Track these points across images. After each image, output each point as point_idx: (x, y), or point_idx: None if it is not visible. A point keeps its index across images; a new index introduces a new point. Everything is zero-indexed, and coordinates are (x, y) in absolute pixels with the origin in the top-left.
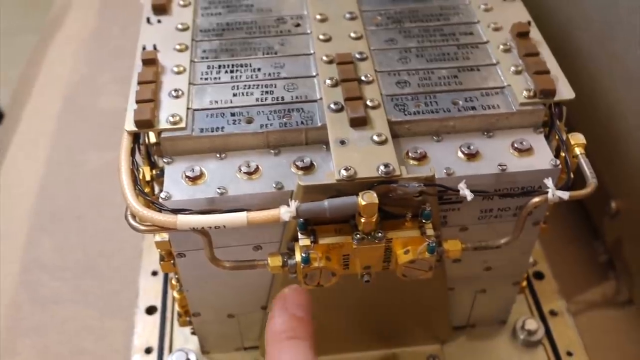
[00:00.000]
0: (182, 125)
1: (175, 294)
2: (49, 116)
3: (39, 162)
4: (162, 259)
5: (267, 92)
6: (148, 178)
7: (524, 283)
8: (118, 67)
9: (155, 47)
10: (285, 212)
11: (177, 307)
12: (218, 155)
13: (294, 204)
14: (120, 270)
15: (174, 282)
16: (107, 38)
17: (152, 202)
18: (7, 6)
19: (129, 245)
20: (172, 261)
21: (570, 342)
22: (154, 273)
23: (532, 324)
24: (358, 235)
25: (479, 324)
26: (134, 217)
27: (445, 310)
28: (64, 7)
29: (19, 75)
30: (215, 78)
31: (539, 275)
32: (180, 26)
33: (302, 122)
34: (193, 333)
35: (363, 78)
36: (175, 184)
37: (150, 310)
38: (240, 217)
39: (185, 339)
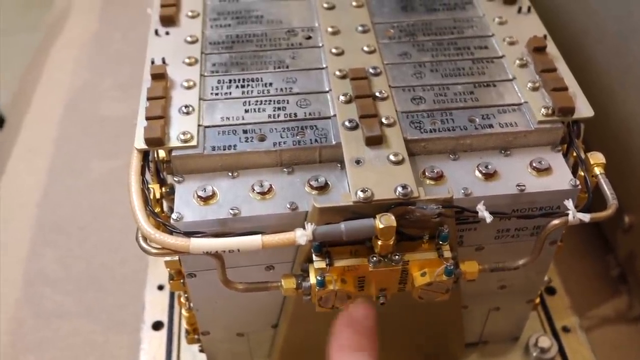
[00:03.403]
0: (194, 143)
1: (184, 312)
2: (50, 123)
3: (41, 170)
4: (171, 277)
5: (279, 109)
6: (158, 196)
7: (537, 299)
8: (119, 72)
9: (164, 61)
10: (302, 236)
11: (184, 325)
12: (230, 174)
13: (310, 227)
14: (125, 283)
15: (182, 300)
16: (108, 42)
17: (164, 224)
18: (4, 5)
19: (134, 257)
20: (181, 280)
21: (583, 359)
22: (160, 287)
23: (546, 341)
24: (374, 258)
25: (492, 341)
26: (145, 239)
27: (459, 328)
28: (65, 10)
29: (20, 80)
30: (226, 93)
31: (551, 291)
32: (189, 38)
33: (316, 140)
34: (201, 350)
35: (377, 94)
36: (186, 205)
37: (157, 325)
38: (255, 240)
39: (193, 356)
